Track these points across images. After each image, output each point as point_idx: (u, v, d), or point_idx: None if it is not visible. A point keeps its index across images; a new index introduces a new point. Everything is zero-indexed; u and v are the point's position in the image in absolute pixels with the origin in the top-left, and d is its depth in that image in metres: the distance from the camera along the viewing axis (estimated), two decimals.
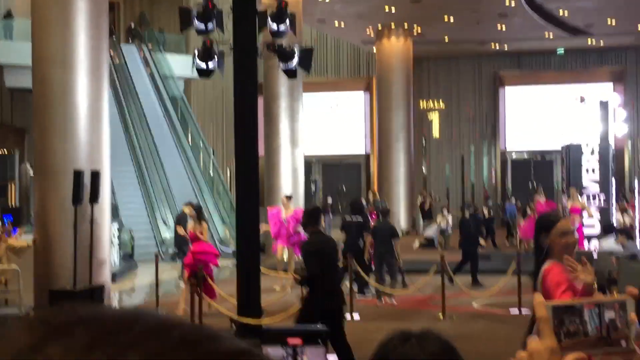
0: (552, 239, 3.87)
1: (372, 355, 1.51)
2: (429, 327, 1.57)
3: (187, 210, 13.05)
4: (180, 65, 24.46)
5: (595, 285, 3.67)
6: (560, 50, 29.48)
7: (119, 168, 19.32)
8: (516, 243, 20.35)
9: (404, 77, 25.94)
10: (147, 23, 28.81)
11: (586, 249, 15.32)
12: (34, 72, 11.13)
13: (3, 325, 0.54)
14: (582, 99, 30.39)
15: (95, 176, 10.57)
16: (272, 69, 17.92)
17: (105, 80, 11.34)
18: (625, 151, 28.63)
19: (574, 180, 16.63)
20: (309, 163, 24.50)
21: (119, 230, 17.12)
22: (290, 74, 10.14)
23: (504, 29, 25.62)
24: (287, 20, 9.67)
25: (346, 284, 12.08)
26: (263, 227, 11.68)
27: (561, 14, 23.87)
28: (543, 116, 29.92)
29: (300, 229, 11.80)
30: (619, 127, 21.37)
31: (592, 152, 16.76)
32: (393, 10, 23.43)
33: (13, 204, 24.26)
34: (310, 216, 7.53)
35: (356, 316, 10.96)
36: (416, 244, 20.97)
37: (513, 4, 22.46)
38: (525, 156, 30.53)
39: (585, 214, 16.08)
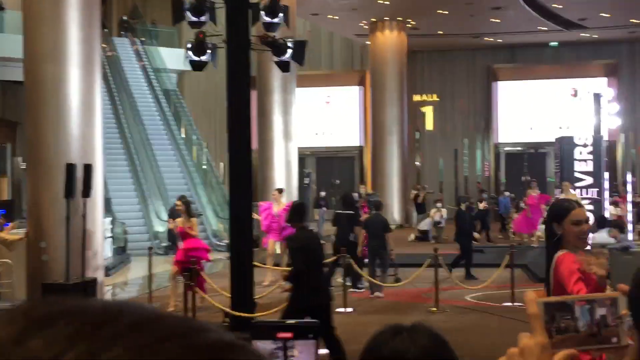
0: (565, 227, 3.77)
1: (364, 349, 1.51)
2: (420, 321, 1.56)
3: (180, 203, 13.02)
4: (173, 58, 24.39)
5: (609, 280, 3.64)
6: (554, 44, 29.52)
7: (111, 162, 19.27)
8: (510, 236, 20.42)
9: (398, 70, 25.93)
10: (140, 16, 28.70)
11: None
12: (26, 65, 11.07)
13: None
14: (576, 93, 30.45)
15: (88, 170, 10.54)
16: (265, 63, 17.87)
17: (97, 74, 11.29)
18: (618, 144, 28.72)
19: (566, 173, 16.67)
20: (302, 156, 24.48)
21: (112, 223, 17.08)
22: (284, 67, 10.11)
23: (498, 22, 25.63)
24: (281, 13, 9.64)
25: (337, 279, 12.13)
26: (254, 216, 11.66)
27: (555, 7, 23.88)
28: (537, 109, 29.97)
29: None
30: (612, 121, 21.45)
31: (585, 145, 16.80)
32: (387, 3, 23.40)
33: (5, 197, 24.17)
34: (296, 212, 7.53)
35: (350, 310, 10.97)
36: (411, 236, 21.01)
37: None
38: (519, 149, 30.59)
39: None
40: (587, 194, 16.57)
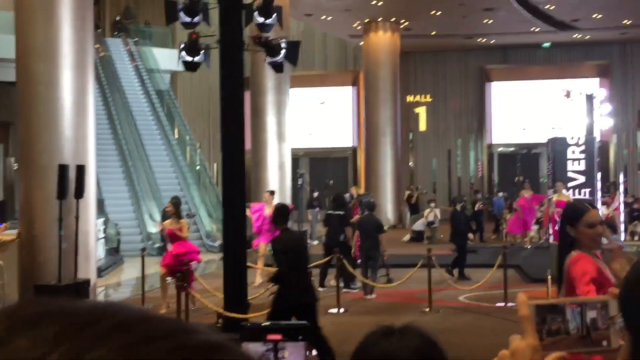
0: (579, 230, 3.72)
1: (354, 350, 1.51)
2: (410, 322, 1.56)
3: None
4: (167, 58, 24.34)
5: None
6: (546, 44, 29.61)
7: (104, 162, 19.22)
8: (502, 237, 20.46)
9: (391, 71, 25.96)
10: (133, 16, 28.64)
11: None
12: (18, 65, 11.03)
13: None
14: (568, 93, 30.53)
15: (81, 170, 10.51)
16: (258, 63, 17.86)
17: (90, 74, 11.25)
18: (611, 145, 28.83)
19: (559, 173, 16.72)
20: (296, 157, 24.48)
21: (105, 224, 17.03)
22: (277, 67, 10.11)
23: (490, 23, 25.69)
24: (274, 14, 9.63)
25: (330, 281, 12.13)
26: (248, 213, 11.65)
27: (547, 8, 23.95)
28: (529, 110, 30.06)
29: None
30: (605, 121, 21.53)
31: (578, 144, 16.85)
32: (380, 4, 23.43)
33: None
34: (279, 213, 7.55)
35: (343, 310, 10.97)
36: (407, 237, 21.02)
37: None
38: (512, 150, 30.67)
39: None
40: (579, 194, 16.61)
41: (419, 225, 21.36)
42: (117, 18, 28.33)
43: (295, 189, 21.07)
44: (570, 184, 16.57)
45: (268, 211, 13.66)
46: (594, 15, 24.71)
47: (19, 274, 10.73)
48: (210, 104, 28.61)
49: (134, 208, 20.06)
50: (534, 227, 19.07)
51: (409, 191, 25.24)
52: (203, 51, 9.68)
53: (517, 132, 30.27)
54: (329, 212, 13.49)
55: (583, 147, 16.77)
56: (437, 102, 30.68)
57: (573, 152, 16.77)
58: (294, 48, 10.07)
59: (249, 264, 9.99)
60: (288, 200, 19.59)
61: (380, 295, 12.25)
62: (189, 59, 9.68)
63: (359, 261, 12.78)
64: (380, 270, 12.73)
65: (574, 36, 27.77)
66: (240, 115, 9.35)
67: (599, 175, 17.20)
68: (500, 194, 23.49)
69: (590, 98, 20.12)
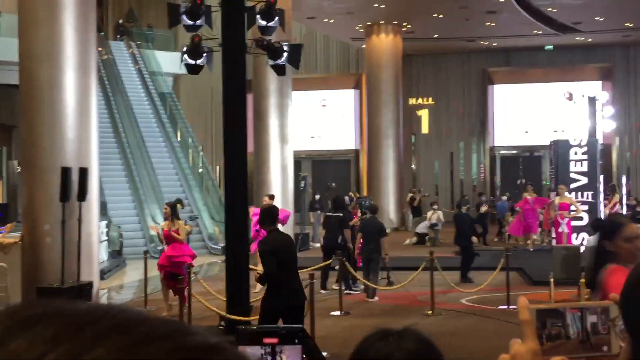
0: (617, 244, 3.64)
1: (352, 351, 1.52)
2: (409, 325, 1.57)
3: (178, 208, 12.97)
4: (169, 61, 24.38)
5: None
6: (549, 47, 29.60)
7: (107, 165, 19.24)
8: (505, 240, 20.44)
9: (393, 74, 25.97)
10: (136, 19, 28.69)
11: (574, 243, 15.40)
12: (21, 68, 11.06)
13: None
14: (570, 96, 30.52)
15: (83, 173, 10.52)
16: (261, 66, 17.88)
17: (93, 77, 11.28)
18: (613, 148, 28.79)
19: (562, 176, 16.71)
20: (298, 159, 24.49)
21: (108, 227, 17.05)
22: (279, 70, 10.12)
23: (492, 25, 25.69)
24: (276, 17, 9.65)
25: (332, 285, 12.13)
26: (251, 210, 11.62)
27: (549, 11, 23.95)
28: (532, 113, 30.04)
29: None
30: (607, 124, 21.50)
31: (580, 145, 16.83)
32: (382, 7, 23.44)
33: (0, 201, 24.11)
34: (267, 214, 7.56)
35: (345, 313, 10.97)
36: (413, 239, 20.98)
37: (502, 1, 22.52)
38: (514, 152, 30.65)
39: (573, 209, 16.15)
40: (582, 196, 16.60)
41: (422, 227, 21.34)
42: (120, 21, 28.38)
43: (298, 192, 21.07)
44: (572, 185, 16.55)
45: None
46: (596, 18, 24.70)
47: (22, 276, 10.75)
48: (212, 106, 28.64)
49: (137, 210, 20.07)
50: (538, 230, 19.06)
51: (411, 194, 25.23)
52: (205, 54, 9.70)
53: (519, 135, 30.25)
54: (328, 214, 13.52)
55: (585, 149, 16.75)
56: (440, 105, 30.67)
57: (575, 153, 16.76)
58: (296, 51, 10.08)
59: (251, 266, 9.99)
60: (290, 203, 19.59)
61: (382, 297, 12.25)
62: (192, 61, 9.70)
63: (359, 264, 12.78)
64: (380, 273, 12.73)
65: (576, 39, 27.76)
66: (242, 117, 9.36)
67: (601, 177, 17.19)
68: (504, 197, 23.47)
69: (592, 100, 20.10)
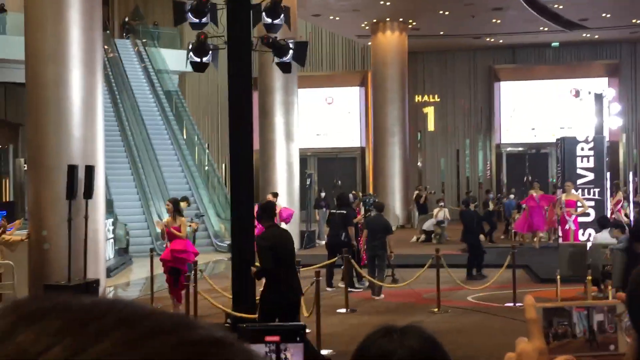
0: None
1: (356, 348, 1.51)
2: (413, 322, 1.56)
3: (182, 204, 12.99)
4: (175, 59, 24.40)
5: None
6: (555, 44, 29.50)
7: (113, 163, 19.28)
8: (511, 237, 20.40)
9: (399, 71, 25.94)
10: (141, 17, 28.72)
11: (580, 239, 15.36)
12: (27, 66, 11.08)
13: None
14: (577, 93, 30.42)
15: (90, 171, 10.55)
16: (266, 64, 17.88)
17: (99, 75, 11.30)
18: (620, 145, 28.70)
19: (568, 172, 16.66)
20: (303, 157, 24.49)
21: (114, 225, 17.09)
22: (285, 68, 10.11)
23: (499, 22, 25.63)
24: (282, 14, 9.64)
25: (339, 283, 12.13)
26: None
27: (556, 7, 23.87)
28: (538, 110, 29.96)
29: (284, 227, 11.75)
30: (614, 121, 21.43)
31: (587, 141, 16.77)
32: (388, 4, 23.41)
33: (7, 199, 24.19)
34: (264, 210, 7.56)
35: (351, 310, 10.97)
36: (422, 237, 20.97)
37: None
38: (521, 149, 30.58)
39: (579, 205, 16.11)
40: (588, 194, 16.55)
41: (429, 224, 21.31)
42: (126, 19, 28.42)
43: (304, 189, 21.07)
44: (579, 181, 16.49)
45: None
46: (603, 15, 24.60)
47: (29, 273, 10.79)
48: (218, 104, 28.66)
49: (143, 208, 20.11)
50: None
51: (417, 191, 25.20)
52: (211, 52, 9.70)
53: (525, 132, 30.18)
54: (332, 211, 13.53)
55: (592, 144, 16.70)
56: (446, 102, 30.62)
57: (582, 148, 16.70)
58: (301, 48, 10.07)
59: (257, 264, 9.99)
60: (296, 201, 19.60)
61: (388, 295, 12.24)
62: (197, 59, 9.70)
63: (364, 262, 12.78)
64: (385, 271, 12.73)
65: (583, 35, 27.66)
66: (248, 115, 9.36)
67: (608, 174, 17.12)
68: (512, 195, 23.38)
69: (599, 97, 20.04)
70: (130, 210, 19.76)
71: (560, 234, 16.39)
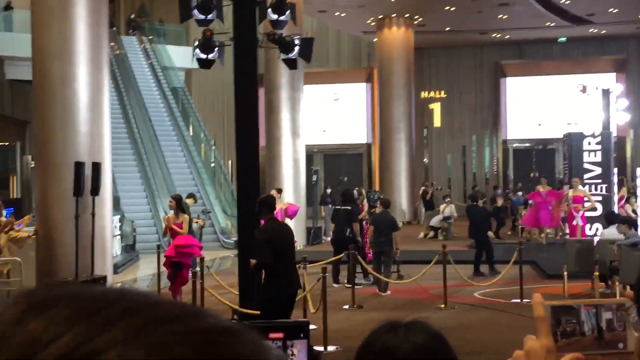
0: None
1: (361, 344, 1.51)
2: (418, 318, 1.56)
3: (189, 200, 13.01)
4: (181, 56, 24.42)
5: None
6: (562, 39, 29.39)
7: (120, 160, 19.32)
8: (518, 233, 20.36)
9: (405, 67, 25.89)
10: (147, 14, 28.75)
11: (587, 235, 15.32)
12: (34, 63, 11.12)
13: None
14: (584, 88, 30.33)
15: (96, 168, 10.58)
16: (272, 60, 17.88)
17: (105, 72, 11.32)
18: (627, 140, 28.59)
19: (575, 168, 16.61)
20: (310, 153, 24.49)
21: (121, 221, 17.14)
22: (291, 64, 10.11)
23: (505, 18, 25.55)
24: (287, 11, 9.64)
25: (344, 281, 12.14)
26: None
27: (563, 3, 23.78)
28: (545, 105, 29.87)
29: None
30: (621, 116, 21.37)
31: (594, 136, 16.72)
32: (394, 0, 23.36)
33: (15, 196, 24.28)
34: (264, 204, 7.56)
35: (357, 307, 10.97)
36: (431, 233, 20.95)
37: None
38: (527, 145, 30.50)
39: (587, 201, 16.07)
40: (596, 189, 16.50)
41: (436, 221, 21.29)
42: (132, 16, 28.45)
43: (310, 186, 21.07)
44: (586, 176, 16.44)
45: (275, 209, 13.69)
46: (610, 10, 24.49)
47: (36, 270, 10.83)
48: (224, 101, 28.67)
49: (150, 205, 20.16)
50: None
51: (424, 187, 25.18)
52: (217, 48, 9.70)
53: (532, 128, 30.10)
54: (337, 207, 13.55)
55: (599, 139, 16.64)
56: (452, 98, 30.56)
57: (589, 143, 16.64)
58: (307, 45, 10.06)
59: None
60: (302, 197, 19.61)
61: (394, 291, 12.24)
62: (203, 56, 9.71)
63: (369, 258, 12.78)
64: (391, 267, 12.73)
65: (590, 31, 27.55)
66: (254, 111, 9.37)
67: (615, 170, 17.07)
68: (520, 192, 23.31)
69: (606, 93, 19.98)
70: (137, 207, 19.81)
71: (567, 230, 16.35)
